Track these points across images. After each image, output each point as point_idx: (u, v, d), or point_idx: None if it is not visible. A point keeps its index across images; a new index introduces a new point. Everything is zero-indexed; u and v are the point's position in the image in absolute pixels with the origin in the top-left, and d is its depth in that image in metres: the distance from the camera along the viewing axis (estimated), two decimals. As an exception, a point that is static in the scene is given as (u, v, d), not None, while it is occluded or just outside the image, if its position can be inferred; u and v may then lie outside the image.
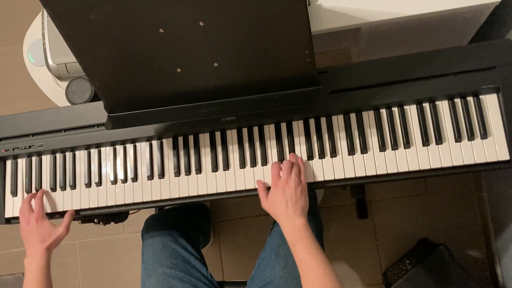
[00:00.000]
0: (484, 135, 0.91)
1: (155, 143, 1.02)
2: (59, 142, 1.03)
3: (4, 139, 1.05)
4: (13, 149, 1.04)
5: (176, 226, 1.18)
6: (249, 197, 0.99)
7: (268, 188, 0.94)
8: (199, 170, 0.99)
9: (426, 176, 0.93)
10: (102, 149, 1.04)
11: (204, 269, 1.12)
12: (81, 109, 1.03)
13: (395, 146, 0.94)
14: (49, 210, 1.03)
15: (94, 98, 1.04)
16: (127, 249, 1.74)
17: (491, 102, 0.93)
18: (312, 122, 0.98)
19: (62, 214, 1.03)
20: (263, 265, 1.04)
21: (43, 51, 1.05)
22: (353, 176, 0.94)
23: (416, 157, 0.93)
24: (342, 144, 0.96)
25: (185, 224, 1.23)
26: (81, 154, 1.04)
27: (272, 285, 0.98)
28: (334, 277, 0.80)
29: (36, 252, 0.93)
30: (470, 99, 0.94)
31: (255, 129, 0.99)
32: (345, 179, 0.95)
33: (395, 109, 0.95)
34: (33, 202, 1.01)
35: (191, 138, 1.01)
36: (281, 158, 0.97)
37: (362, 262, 1.61)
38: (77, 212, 1.02)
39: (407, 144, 0.93)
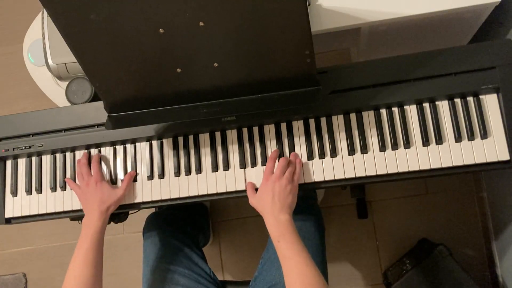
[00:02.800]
0: (484, 135, 0.91)
1: (155, 143, 1.02)
2: (59, 142, 1.03)
3: (4, 139, 1.05)
4: (13, 149, 1.04)
5: (177, 224, 1.18)
6: (249, 197, 0.98)
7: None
8: (199, 170, 0.99)
9: (426, 176, 0.93)
10: (102, 149, 1.04)
11: (206, 266, 1.12)
12: (81, 109, 1.03)
13: (395, 146, 0.94)
14: (49, 210, 1.03)
15: (94, 98, 1.04)
16: (127, 249, 1.74)
17: (491, 102, 0.93)
18: (312, 122, 0.98)
19: (59, 213, 1.03)
20: (267, 266, 1.04)
21: (43, 51, 1.05)
22: (353, 176, 0.94)
23: (416, 157, 0.93)
24: (342, 144, 0.96)
25: (185, 223, 1.23)
26: (81, 154, 1.04)
27: (277, 287, 0.98)
28: (317, 274, 0.80)
29: (96, 213, 0.93)
30: (470, 99, 0.94)
31: (255, 129, 0.99)
32: (345, 179, 0.95)
33: (395, 109, 0.95)
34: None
35: (191, 138, 1.01)
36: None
37: (362, 262, 1.61)
38: (76, 212, 1.02)
39: (407, 144, 0.93)
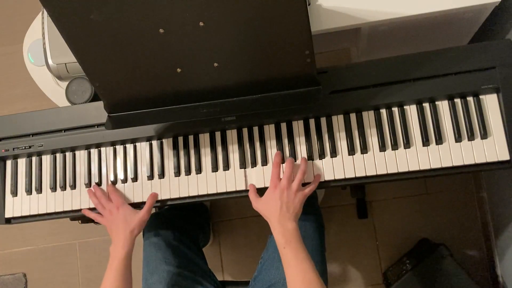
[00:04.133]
0: (484, 135, 0.91)
1: (155, 143, 1.02)
2: (59, 142, 1.03)
3: (4, 139, 1.05)
4: (13, 149, 1.04)
5: (177, 224, 1.18)
6: (249, 197, 0.98)
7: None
8: (199, 170, 0.99)
9: (426, 176, 0.93)
10: (102, 149, 1.04)
11: (207, 267, 1.12)
12: (81, 109, 1.03)
13: (395, 146, 0.94)
14: (49, 210, 1.03)
15: (94, 98, 1.04)
16: (127, 249, 1.73)
17: (491, 102, 0.93)
18: (312, 122, 0.98)
19: (59, 213, 1.03)
20: (266, 265, 1.04)
21: (43, 51, 1.05)
22: (353, 176, 0.94)
23: (416, 157, 0.93)
24: (342, 144, 0.96)
25: (186, 222, 1.23)
26: (81, 154, 1.04)
27: (276, 287, 0.98)
28: (320, 282, 0.82)
29: (121, 239, 0.93)
30: (470, 99, 0.94)
31: (255, 129, 0.99)
32: (345, 179, 0.95)
33: (395, 109, 0.95)
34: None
35: (191, 138, 1.01)
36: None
37: (362, 262, 1.61)
38: (76, 211, 1.02)
39: (407, 144, 0.93)
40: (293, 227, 0.86)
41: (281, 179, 0.91)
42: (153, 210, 1.39)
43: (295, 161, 0.96)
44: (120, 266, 0.91)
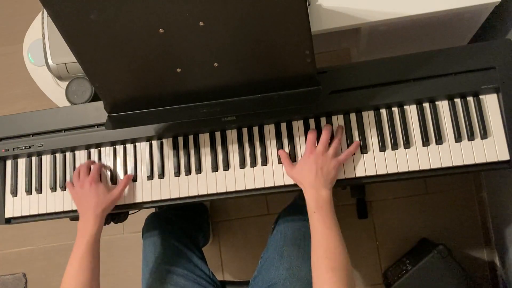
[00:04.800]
0: (484, 135, 0.91)
1: (155, 143, 1.02)
2: (59, 142, 1.03)
3: (4, 139, 1.05)
4: (13, 149, 1.04)
5: (177, 224, 1.18)
6: (249, 197, 0.99)
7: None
8: (199, 170, 0.99)
9: (426, 176, 0.93)
10: (102, 149, 1.04)
11: (206, 267, 1.12)
12: (81, 109, 1.03)
13: (395, 146, 0.94)
14: (49, 210, 1.03)
15: (94, 98, 1.04)
16: (127, 249, 1.74)
17: (491, 102, 0.93)
18: (312, 122, 0.98)
19: (59, 213, 1.03)
20: (266, 265, 1.04)
21: (43, 51, 1.05)
22: (353, 176, 0.94)
23: (416, 157, 0.93)
24: (342, 144, 0.96)
25: (185, 222, 1.23)
26: (81, 154, 1.04)
27: (276, 287, 0.98)
28: (344, 251, 0.80)
29: (91, 217, 0.92)
30: (470, 99, 0.93)
31: (255, 129, 0.99)
32: (345, 179, 0.94)
33: (395, 109, 0.95)
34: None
35: (191, 138, 1.01)
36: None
37: (362, 262, 1.61)
38: (76, 212, 1.02)
39: (407, 144, 0.93)
40: (327, 194, 0.85)
41: (316, 146, 0.91)
42: (153, 210, 1.39)
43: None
44: (91, 241, 0.90)
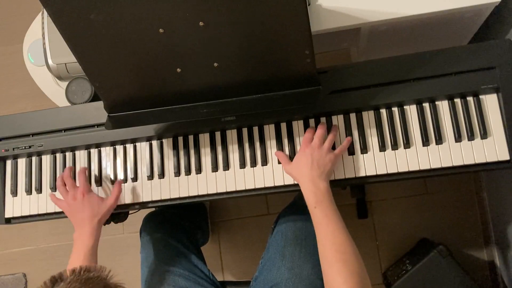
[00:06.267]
0: (484, 135, 0.91)
1: (155, 143, 1.02)
2: (59, 142, 1.03)
3: (4, 139, 1.05)
4: (13, 149, 1.04)
5: (176, 223, 1.18)
6: (249, 197, 0.98)
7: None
8: (199, 170, 0.99)
9: (426, 176, 0.93)
10: (102, 149, 1.04)
11: (205, 267, 1.12)
12: (81, 109, 1.03)
13: (395, 146, 0.94)
14: (49, 210, 1.03)
15: (94, 98, 1.04)
16: (127, 249, 1.73)
17: (491, 102, 0.93)
18: (312, 122, 0.98)
19: (59, 213, 1.03)
20: (267, 266, 1.03)
21: (43, 51, 1.05)
22: (353, 176, 0.94)
23: (416, 157, 0.93)
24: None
25: (183, 221, 1.23)
26: (81, 154, 1.04)
27: (279, 287, 0.97)
28: (351, 243, 0.80)
29: (87, 229, 0.91)
30: (470, 99, 0.93)
31: (255, 129, 0.99)
32: (345, 179, 0.94)
33: (395, 109, 0.95)
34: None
35: (191, 138, 1.01)
36: (281, 158, 0.97)
37: (362, 262, 1.60)
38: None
39: (407, 144, 0.93)
40: (325, 187, 0.85)
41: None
42: (152, 210, 1.39)
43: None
44: (89, 254, 0.89)
